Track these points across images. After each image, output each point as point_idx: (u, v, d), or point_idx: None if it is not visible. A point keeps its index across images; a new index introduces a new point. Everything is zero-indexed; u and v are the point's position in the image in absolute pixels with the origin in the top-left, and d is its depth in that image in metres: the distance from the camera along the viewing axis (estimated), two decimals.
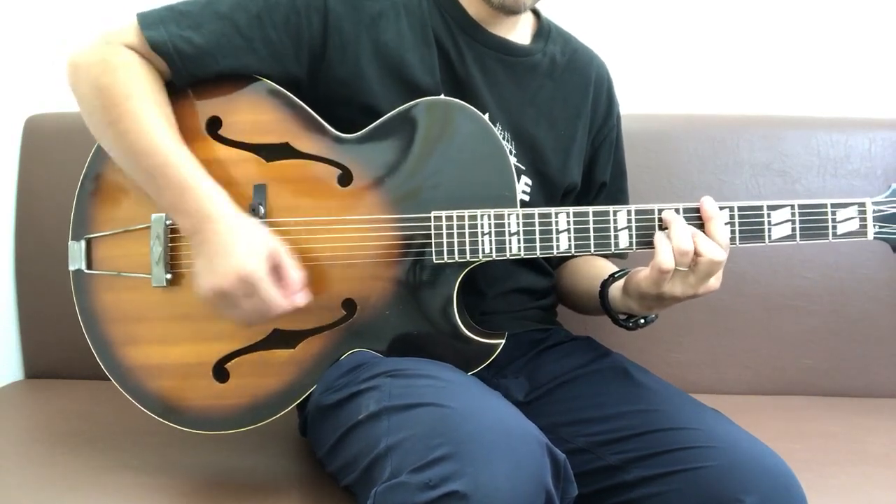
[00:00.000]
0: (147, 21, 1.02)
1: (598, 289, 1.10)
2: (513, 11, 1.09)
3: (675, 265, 0.94)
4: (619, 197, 1.29)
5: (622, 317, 1.09)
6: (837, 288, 1.47)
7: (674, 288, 0.95)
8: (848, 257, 1.47)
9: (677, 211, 0.98)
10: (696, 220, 0.97)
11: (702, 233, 0.95)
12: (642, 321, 1.07)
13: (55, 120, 1.53)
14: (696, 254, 0.93)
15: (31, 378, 1.53)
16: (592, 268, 1.20)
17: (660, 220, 0.98)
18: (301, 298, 0.97)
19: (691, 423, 0.96)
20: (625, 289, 1.03)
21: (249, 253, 0.94)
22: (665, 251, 0.94)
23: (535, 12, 1.21)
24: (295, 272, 0.97)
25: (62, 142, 1.49)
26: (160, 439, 1.13)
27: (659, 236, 0.96)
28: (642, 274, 0.98)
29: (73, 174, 1.09)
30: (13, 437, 1.23)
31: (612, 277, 1.09)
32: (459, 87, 1.10)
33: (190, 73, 1.03)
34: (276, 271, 0.96)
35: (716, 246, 0.94)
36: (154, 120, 0.99)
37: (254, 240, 0.96)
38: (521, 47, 1.16)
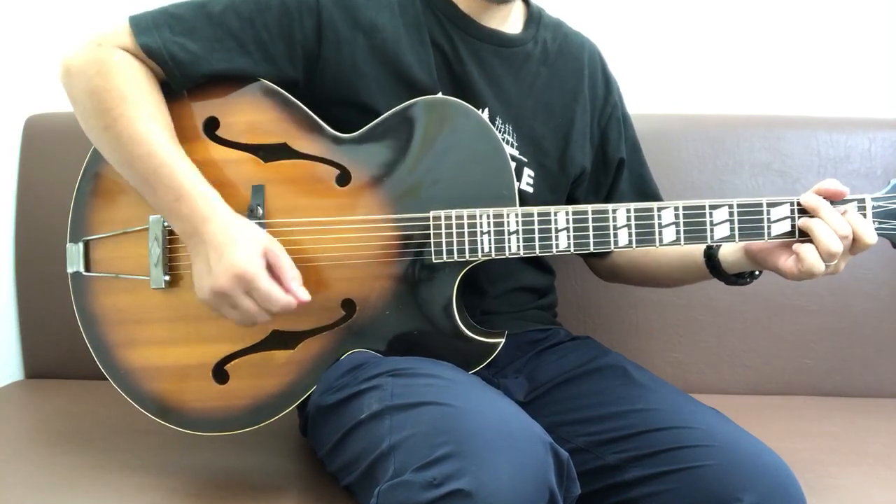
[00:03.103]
0: (140, 26, 1.02)
1: (698, 259, 1.11)
2: (503, 1, 1.09)
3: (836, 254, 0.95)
4: (643, 171, 1.29)
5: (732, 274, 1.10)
6: (838, 288, 1.47)
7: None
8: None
9: (676, 209, 0.99)
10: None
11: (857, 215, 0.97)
12: (758, 273, 1.08)
13: (55, 120, 1.53)
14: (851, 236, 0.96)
15: (31, 378, 1.53)
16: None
17: (800, 207, 0.98)
18: (302, 293, 0.96)
19: (690, 423, 0.96)
20: (752, 258, 1.04)
21: (245, 251, 0.94)
22: (830, 238, 0.94)
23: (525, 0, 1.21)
24: (291, 267, 0.97)
25: (62, 142, 1.49)
26: (160, 439, 1.13)
27: (817, 223, 0.96)
28: (790, 262, 0.98)
29: (73, 174, 1.09)
30: (13, 437, 1.23)
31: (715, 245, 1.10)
32: (457, 84, 1.10)
33: (185, 77, 1.03)
34: (273, 269, 0.96)
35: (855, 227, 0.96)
36: (149, 124, 0.99)
37: (249, 238, 0.96)
38: (514, 37, 1.15)
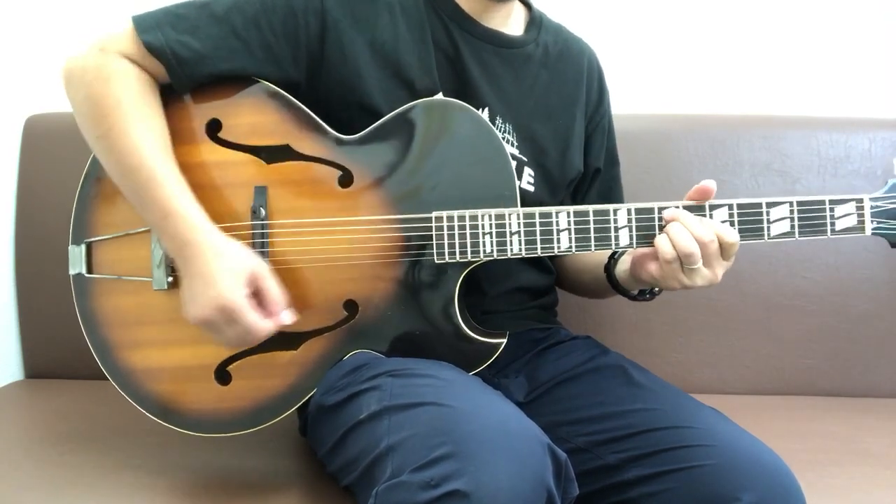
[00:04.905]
0: (143, 25, 1.01)
1: (602, 272, 1.12)
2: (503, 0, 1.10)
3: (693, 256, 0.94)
4: (613, 185, 1.29)
5: (634, 292, 1.11)
6: (837, 288, 1.47)
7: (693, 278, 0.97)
8: (848, 257, 1.47)
9: (676, 209, 0.98)
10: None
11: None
12: (657, 290, 1.08)
13: (55, 120, 1.53)
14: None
15: (31, 378, 1.53)
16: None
17: (660, 218, 0.98)
18: (285, 317, 0.97)
19: (689, 422, 0.96)
20: (636, 277, 1.04)
21: (229, 280, 0.93)
22: (683, 237, 0.95)
23: (526, 3, 1.21)
24: (277, 293, 0.96)
25: (62, 142, 1.49)
26: (160, 439, 1.13)
27: (672, 226, 0.96)
28: (653, 267, 0.99)
29: (73, 174, 1.09)
30: (13, 437, 1.23)
31: (613, 259, 1.11)
32: (458, 83, 1.10)
33: (188, 76, 1.02)
34: (258, 294, 0.96)
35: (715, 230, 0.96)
36: (141, 136, 0.98)
37: (234, 265, 0.95)
38: (515, 38, 1.15)
